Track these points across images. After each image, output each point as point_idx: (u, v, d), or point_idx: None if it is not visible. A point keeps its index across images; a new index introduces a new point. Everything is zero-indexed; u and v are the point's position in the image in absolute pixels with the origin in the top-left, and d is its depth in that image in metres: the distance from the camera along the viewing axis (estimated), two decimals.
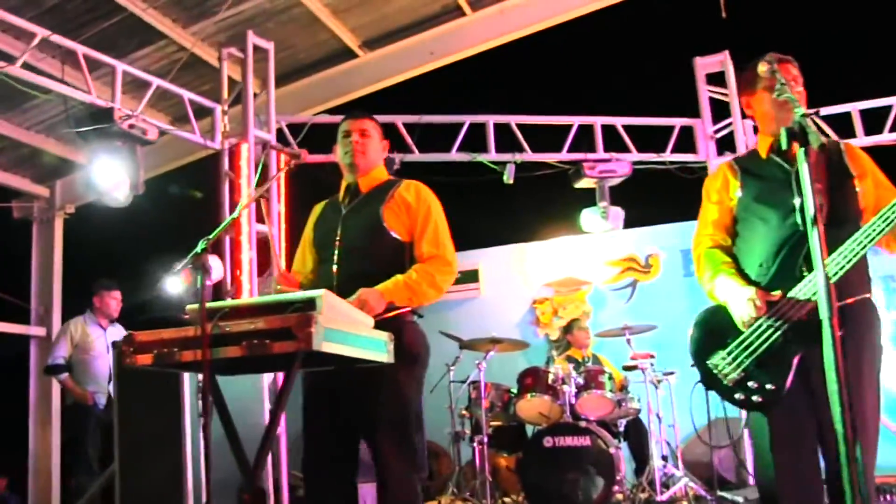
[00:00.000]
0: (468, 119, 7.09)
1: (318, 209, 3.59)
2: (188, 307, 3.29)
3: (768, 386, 2.75)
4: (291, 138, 6.72)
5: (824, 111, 7.20)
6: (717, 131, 7.46)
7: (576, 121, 7.19)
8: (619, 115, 7.30)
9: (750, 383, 2.76)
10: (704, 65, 7.47)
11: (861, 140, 7.11)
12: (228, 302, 3.02)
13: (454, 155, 7.05)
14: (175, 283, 5.45)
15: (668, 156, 7.28)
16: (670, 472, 6.46)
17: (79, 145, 6.09)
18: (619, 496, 6.04)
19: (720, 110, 7.50)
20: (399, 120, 6.95)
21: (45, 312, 8.29)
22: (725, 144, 7.38)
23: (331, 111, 7.57)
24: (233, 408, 5.02)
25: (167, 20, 6.65)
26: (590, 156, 6.95)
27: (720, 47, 7.36)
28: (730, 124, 7.44)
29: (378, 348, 3.17)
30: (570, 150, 7.08)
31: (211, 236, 3.16)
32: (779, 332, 2.73)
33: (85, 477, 6.38)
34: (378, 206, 3.31)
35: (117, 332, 7.07)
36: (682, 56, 7.46)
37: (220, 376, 4.86)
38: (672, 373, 6.69)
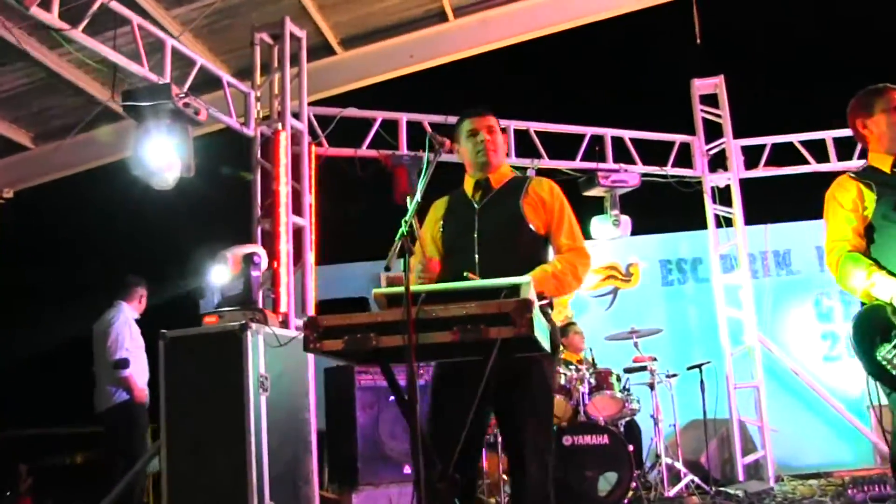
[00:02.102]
0: None
1: (441, 205, 3.64)
2: (375, 291, 3.23)
3: None
4: (319, 130, 6.61)
5: (802, 137, 7.78)
6: (709, 149, 7.88)
7: (588, 131, 7.41)
8: (627, 127, 7.57)
9: None
10: (701, 86, 7.88)
11: (834, 165, 7.70)
12: (426, 287, 2.98)
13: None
14: (221, 273, 5.24)
15: (668, 169, 7.63)
16: (666, 469, 6.72)
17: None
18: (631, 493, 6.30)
19: (713, 129, 7.93)
20: (426, 119, 6.96)
21: None
22: (717, 162, 7.82)
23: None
24: (279, 402, 4.94)
25: (151, 1, 6.40)
26: (601, 165, 7.20)
27: (718, 70, 7.80)
28: (721, 143, 7.88)
29: (546, 337, 3.26)
30: (582, 159, 7.29)
31: (406, 218, 3.11)
32: None
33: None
34: (517, 201, 3.44)
35: None
36: (687, 75, 7.85)
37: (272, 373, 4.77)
38: (675, 375, 7.02)
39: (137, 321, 6.33)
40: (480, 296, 2.98)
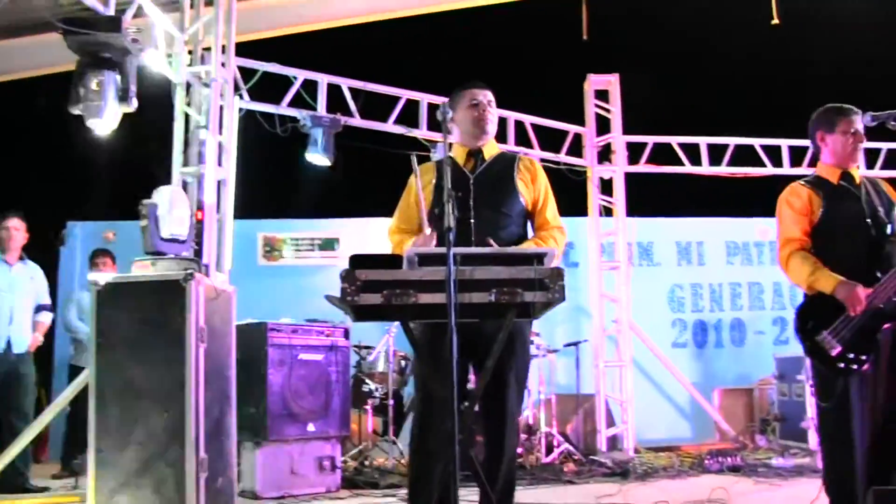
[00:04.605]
0: (405, 94, 7.26)
1: (428, 171, 3.77)
2: (408, 249, 3.31)
3: (863, 357, 3.60)
4: (242, 83, 6.43)
5: (680, 139, 8.46)
6: (599, 142, 8.37)
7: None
8: (527, 113, 7.91)
9: (849, 354, 3.59)
10: (596, 81, 8.34)
11: (706, 169, 8.44)
12: (462, 249, 3.14)
13: (390, 126, 7.19)
14: (157, 216, 5.01)
15: (562, 157, 8.06)
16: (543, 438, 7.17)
17: None
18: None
19: (603, 124, 8.44)
20: (345, 83, 6.93)
21: None
22: (605, 154, 8.34)
23: None
24: (209, 356, 4.88)
25: None
26: (503, 147, 7.43)
27: (613, 69, 8.31)
28: (610, 138, 8.38)
29: None
30: None
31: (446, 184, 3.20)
32: (866, 317, 3.59)
33: None
34: (510, 173, 3.72)
35: (28, 270, 6.29)
36: (585, 70, 8.30)
37: None
38: (556, 350, 7.50)
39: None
40: (516, 261, 3.19)
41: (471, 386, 3.73)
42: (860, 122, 3.87)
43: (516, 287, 3.13)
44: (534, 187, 3.73)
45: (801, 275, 3.73)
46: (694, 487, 5.71)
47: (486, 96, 3.75)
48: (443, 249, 3.04)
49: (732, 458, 6.73)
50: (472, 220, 3.54)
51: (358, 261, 3.22)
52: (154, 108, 5.82)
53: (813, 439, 6.95)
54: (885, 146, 8.77)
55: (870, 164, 8.74)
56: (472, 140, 3.74)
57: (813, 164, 4.37)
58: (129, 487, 4.34)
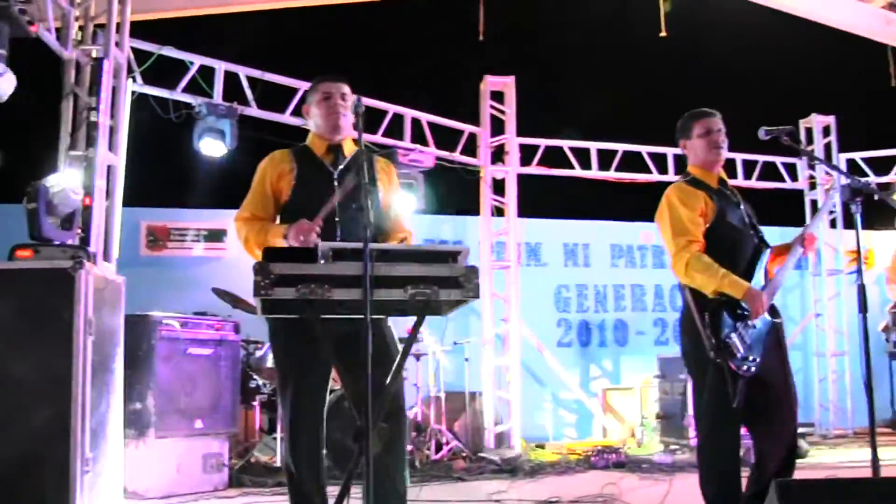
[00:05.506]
0: (304, 86, 7.10)
1: (283, 160, 3.67)
2: (321, 244, 3.25)
3: (757, 359, 3.76)
4: (136, 65, 6.15)
5: (570, 143, 8.68)
6: (493, 143, 8.47)
7: (391, 109, 7.63)
8: (422, 109, 7.94)
9: (751, 357, 3.74)
10: (492, 83, 8.44)
11: (595, 173, 8.69)
12: (379, 245, 3.13)
13: (287, 118, 7.04)
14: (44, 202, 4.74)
15: (456, 156, 8.11)
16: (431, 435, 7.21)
17: None
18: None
19: (498, 124, 8.54)
20: (243, 72, 6.74)
21: None
22: (498, 155, 8.44)
23: None
24: (95, 349, 4.71)
25: None
26: (399, 143, 7.47)
27: (511, 70, 8.42)
28: (504, 139, 8.50)
29: None
30: (383, 135, 7.53)
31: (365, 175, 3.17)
32: (758, 320, 3.77)
33: None
34: (372, 172, 3.67)
35: None
36: (482, 71, 8.38)
37: None
38: (447, 349, 7.54)
39: None
40: (430, 258, 3.19)
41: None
42: (717, 122, 3.97)
43: (432, 284, 3.13)
44: (389, 188, 3.74)
45: (710, 277, 3.74)
46: (582, 483, 5.85)
47: (340, 90, 3.63)
48: (358, 245, 3.00)
49: (617, 455, 6.93)
50: (336, 218, 3.51)
51: (272, 254, 3.15)
52: (39, 85, 5.54)
53: (693, 436, 7.24)
54: (761, 158, 9.29)
55: (747, 175, 9.23)
56: (329, 134, 3.64)
57: None
58: (7, 489, 4.10)
